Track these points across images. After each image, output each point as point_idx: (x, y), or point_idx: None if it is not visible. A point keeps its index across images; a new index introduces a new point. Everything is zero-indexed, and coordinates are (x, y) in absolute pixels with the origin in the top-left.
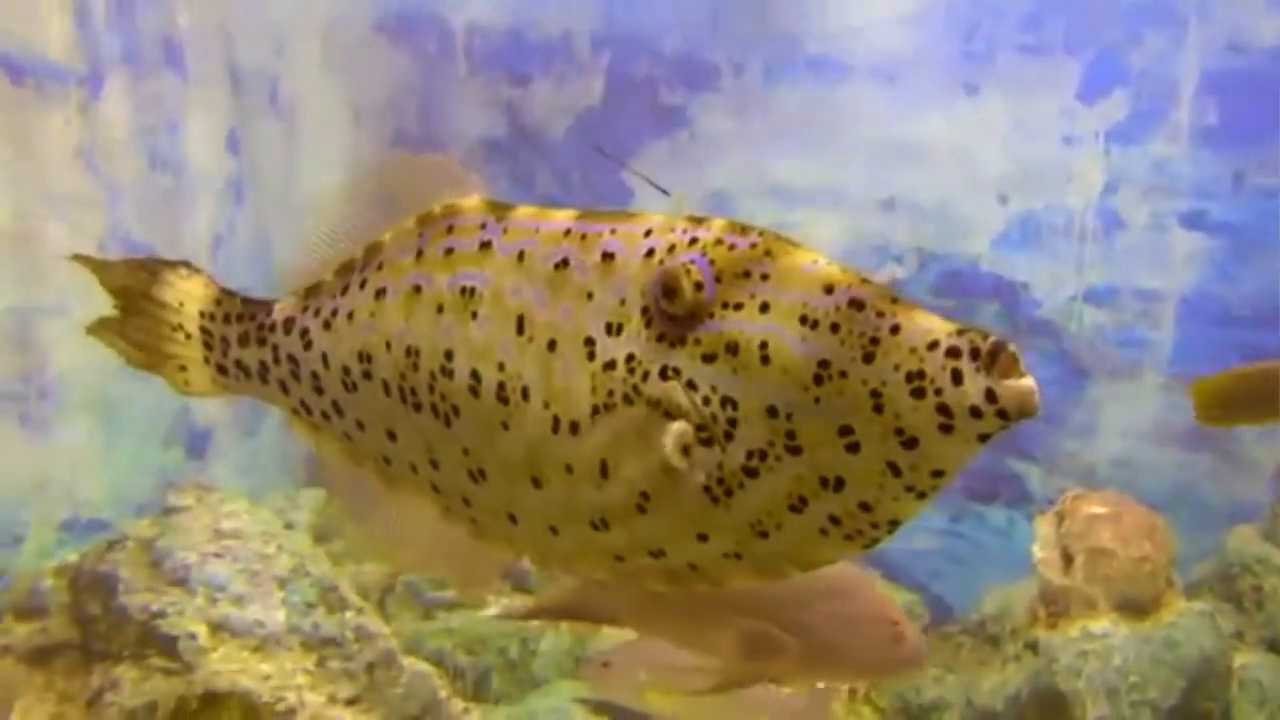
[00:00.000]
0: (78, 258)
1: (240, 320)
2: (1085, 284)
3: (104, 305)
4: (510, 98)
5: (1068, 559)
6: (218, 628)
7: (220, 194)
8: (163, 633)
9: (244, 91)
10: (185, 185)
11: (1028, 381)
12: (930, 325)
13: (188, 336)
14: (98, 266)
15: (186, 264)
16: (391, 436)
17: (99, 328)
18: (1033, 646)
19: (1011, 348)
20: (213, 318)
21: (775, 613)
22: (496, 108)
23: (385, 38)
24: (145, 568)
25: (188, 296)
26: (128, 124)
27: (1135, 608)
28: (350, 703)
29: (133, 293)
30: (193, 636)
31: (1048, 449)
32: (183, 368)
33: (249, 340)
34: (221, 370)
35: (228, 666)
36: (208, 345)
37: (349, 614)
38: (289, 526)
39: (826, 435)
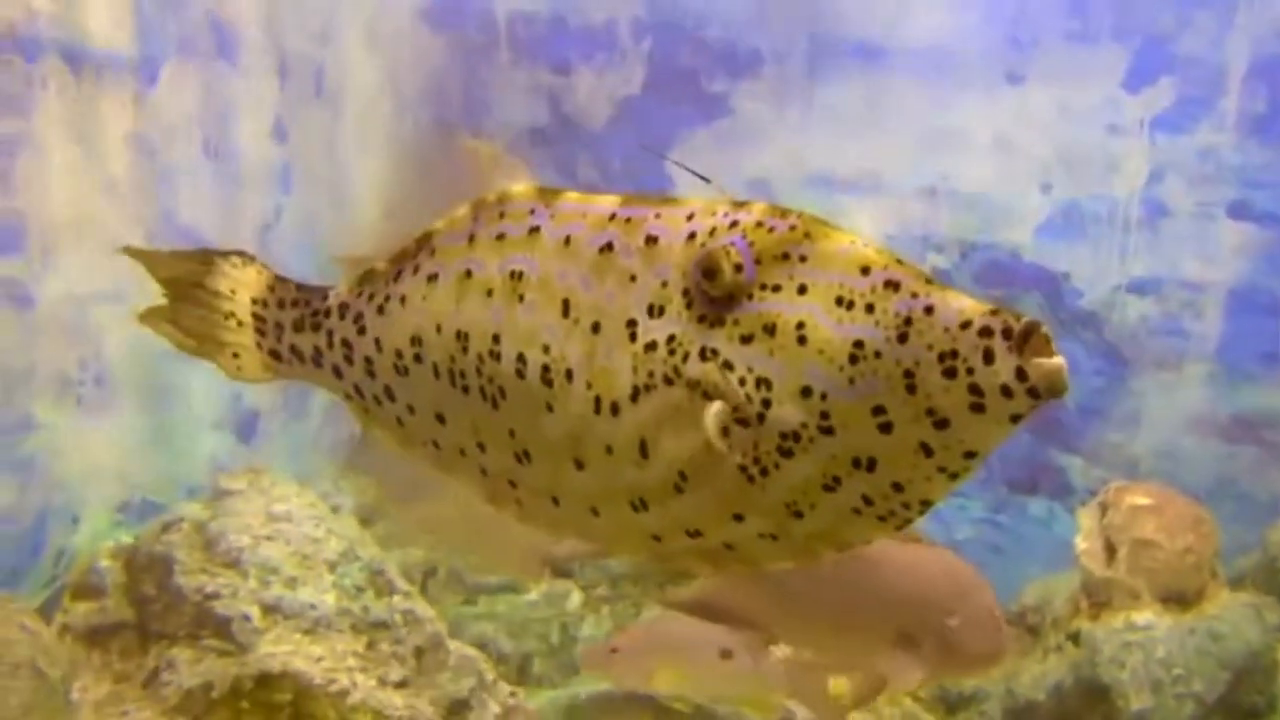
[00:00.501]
0: (127, 250)
1: (295, 306)
2: (1129, 274)
3: (159, 292)
4: (552, 86)
5: (1110, 550)
6: (270, 609)
7: (268, 181)
8: (217, 614)
9: (290, 80)
10: (235, 173)
11: (1058, 360)
12: (963, 305)
13: (240, 324)
14: (147, 258)
15: (239, 252)
16: (441, 420)
17: (151, 316)
18: (1075, 638)
19: (1044, 328)
20: (266, 304)
21: (921, 617)
22: (539, 96)
23: (428, 26)
24: (199, 549)
25: (240, 285)
26: (181, 112)
27: (1179, 600)
28: (400, 685)
29: (184, 283)
30: (246, 618)
31: (1089, 440)
32: (236, 354)
33: (304, 325)
34: (275, 355)
35: (280, 648)
36: (260, 332)
37: (397, 598)
38: (335, 510)
39: (859, 415)
